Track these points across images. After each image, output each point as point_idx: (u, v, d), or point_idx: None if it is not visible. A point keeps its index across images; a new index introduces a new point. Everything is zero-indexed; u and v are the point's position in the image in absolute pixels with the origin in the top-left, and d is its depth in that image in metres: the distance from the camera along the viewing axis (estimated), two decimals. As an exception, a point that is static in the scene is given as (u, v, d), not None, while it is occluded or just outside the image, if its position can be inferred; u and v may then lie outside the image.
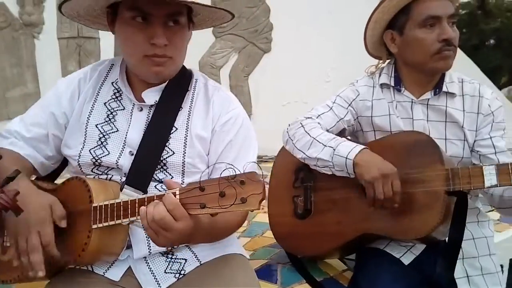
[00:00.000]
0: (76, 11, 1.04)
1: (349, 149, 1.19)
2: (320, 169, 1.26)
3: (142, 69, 1.00)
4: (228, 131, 1.05)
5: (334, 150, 1.20)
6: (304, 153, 1.27)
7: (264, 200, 0.76)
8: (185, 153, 1.02)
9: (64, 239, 0.92)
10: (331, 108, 1.36)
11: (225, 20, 1.17)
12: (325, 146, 1.23)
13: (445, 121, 1.25)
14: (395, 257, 1.24)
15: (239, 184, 0.72)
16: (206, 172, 1.04)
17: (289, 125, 1.36)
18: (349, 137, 1.38)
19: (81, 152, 1.03)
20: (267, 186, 1.00)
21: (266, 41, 3.92)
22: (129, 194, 0.92)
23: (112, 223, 0.86)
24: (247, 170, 0.91)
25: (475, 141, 1.24)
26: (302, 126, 1.31)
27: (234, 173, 0.73)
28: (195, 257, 1.04)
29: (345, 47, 3.75)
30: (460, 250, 1.20)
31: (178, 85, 1.08)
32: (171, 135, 1.02)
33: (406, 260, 1.23)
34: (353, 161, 1.17)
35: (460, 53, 3.85)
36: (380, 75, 1.34)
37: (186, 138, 1.03)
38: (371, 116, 1.32)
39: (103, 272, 0.99)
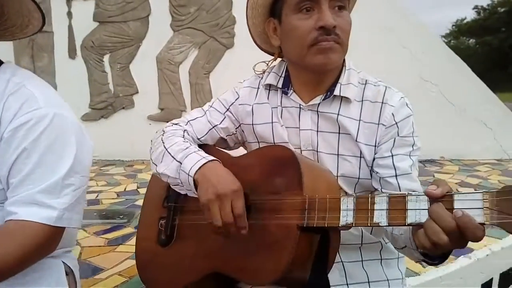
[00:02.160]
0: None
1: (193, 162, 0.99)
2: (174, 187, 1.06)
3: None
4: (23, 137, 0.90)
5: (181, 164, 1.00)
6: (156, 167, 1.08)
7: None
8: None
9: None
10: (205, 113, 1.16)
11: (34, 23, 1.04)
12: (174, 159, 1.03)
13: (338, 133, 1.03)
14: None
15: None
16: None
17: (156, 132, 1.17)
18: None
19: None
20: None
21: (228, 36, 3.70)
22: None
23: None
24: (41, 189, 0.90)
25: (374, 159, 1.01)
26: (163, 133, 1.12)
27: None
28: None
29: None
30: None
31: None
32: None
33: None
34: (193, 178, 0.96)
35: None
36: (268, 75, 1.11)
37: None
38: (252, 124, 1.12)
39: None
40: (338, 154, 1.04)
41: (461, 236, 0.69)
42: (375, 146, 1.02)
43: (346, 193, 1.05)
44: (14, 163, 0.91)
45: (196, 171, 0.97)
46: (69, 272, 1.10)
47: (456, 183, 3.05)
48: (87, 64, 3.93)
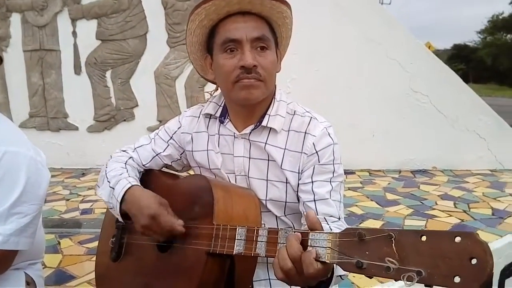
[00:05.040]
0: None
1: (121, 187, 1.05)
2: (111, 211, 1.13)
3: None
4: None
5: (113, 189, 1.07)
6: (98, 190, 1.15)
7: None
8: None
9: None
10: (151, 141, 1.23)
11: None
12: (109, 183, 1.10)
13: (268, 160, 1.09)
14: None
15: None
16: None
17: (111, 156, 1.25)
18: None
19: None
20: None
21: (221, 51, 3.79)
22: None
23: None
24: None
25: (298, 184, 1.07)
26: (110, 158, 1.20)
27: None
28: None
29: (307, 58, 3.60)
30: None
31: None
32: None
33: None
34: (120, 204, 1.04)
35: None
36: (209, 104, 1.18)
37: None
38: (192, 151, 1.18)
39: None
40: (267, 180, 1.09)
41: (301, 269, 0.73)
42: (299, 172, 1.06)
43: (276, 216, 1.09)
44: None
45: (122, 197, 1.03)
46: (30, 282, 1.20)
47: (438, 195, 3.04)
48: (91, 79, 4.08)
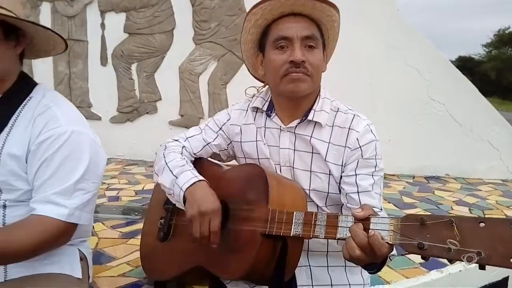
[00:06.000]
0: None
1: (186, 179, 1.14)
2: (168, 196, 1.22)
3: None
4: (46, 150, 1.05)
5: (176, 178, 1.15)
6: (157, 177, 1.23)
7: None
8: None
9: None
10: (201, 131, 1.31)
11: (59, 47, 1.17)
12: (171, 173, 1.18)
13: (312, 152, 1.17)
14: None
15: None
16: (26, 190, 1.07)
17: (160, 145, 1.33)
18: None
19: None
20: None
21: (245, 50, 3.87)
22: None
23: None
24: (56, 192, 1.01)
25: (341, 177, 1.14)
26: (165, 148, 1.28)
27: None
28: (4, 272, 1.07)
29: (328, 63, 3.61)
30: None
31: (10, 102, 1.09)
32: None
33: None
34: (184, 192, 1.12)
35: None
36: (256, 99, 1.26)
37: (0, 157, 1.05)
38: (240, 142, 1.26)
39: None
40: (311, 171, 1.17)
41: (372, 251, 0.83)
42: (342, 165, 1.13)
43: (317, 206, 1.18)
44: (37, 170, 1.06)
45: (187, 188, 1.12)
46: (83, 258, 1.27)
47: (453, 201, 3.12)
48: (116, 71, 4.15)
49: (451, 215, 0.80)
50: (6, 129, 1.07)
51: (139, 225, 2.36)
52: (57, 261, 1.14)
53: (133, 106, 4.19)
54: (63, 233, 1.07)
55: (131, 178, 3.55)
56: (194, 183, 1.12)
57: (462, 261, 0.74)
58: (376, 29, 3.68)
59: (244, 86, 4.61)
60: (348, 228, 0.89)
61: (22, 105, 1.10)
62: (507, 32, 33.05)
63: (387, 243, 0.83)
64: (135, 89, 4.16)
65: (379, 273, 1.82)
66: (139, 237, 2.18)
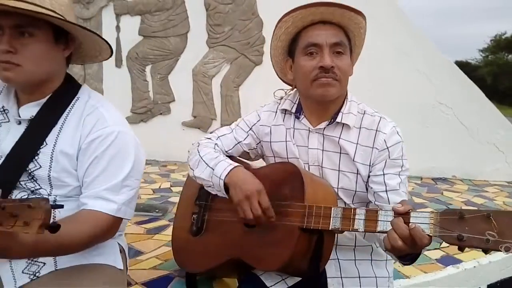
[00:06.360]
0: None
1: (222, 169, 1.18)
2: (207, 188, 1.27)
3: None
4: (95, 148, 1.09)
5: (213, 170, 1.20)
6: (193, 171, 1.28)
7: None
8: (50, 167, 1.09)
9: None
10: (232, 131, 1.36)
11: (105, 54, 1.22)
12: (207, 166, 1.23)
13: (340, 152, 1.22)
14: (267, 286, 1.22)
15: (26, 208, 0.75)
16: (75, 186, 1.12)
17: (192, 144, 1.38)
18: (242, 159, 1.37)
19: None
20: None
21: (258, 54, 3.97)
22: None
23: None
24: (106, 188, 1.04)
25: (369, 176, 1.19)
26: (198, 144, 1.33)
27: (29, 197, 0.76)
28: (54, 262, 1.11)
29: None
30: (341, 286, 1.20)
31: (59, 102, 1.13)
32: (40, 150, 1.09)
33: None
34: (224, 181, 1.16)
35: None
36: (285, 101, 1.32)
37: (53, 154, 1.09)
38: (270, 142, 1.32)
39: None
40: (339, 170, 1.22)
41: (412, 242, 0.91)
42: (370, 165, 1.19)
43: (345, 203, 1.24)
44: (88, 167, 1.10)
45: (226, 176, 1.16)
46: (122, 251, 1.32)
47: (462, 201, 3.20)
48: (131, 73, 4.20)
49: (487, 209, 0.89)
50: (57, 127, 1.12)
51: (161, 222, 2.46)
52: (102, 252, 1.19)
53: (147, 107, 4.24)
54: (111, 227, 1.12)
55: (146, 177, 3.60)
56: (231, 170, 1.16)
57: (500, 250, 0.82)
58: (386, 34, 3.76)
59: (256, 89, 4.69)
60: (388, 222, 0.96)
61: (71, 105, 1.15)
62: (503, 37, 33.32)
63: (428, 235, 0.90)
64: (149, 91, 4.23)
65: (399, 268, 1.92)
66: (164, 232, 2.29)
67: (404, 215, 0.93)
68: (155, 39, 4.13)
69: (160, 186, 3.35)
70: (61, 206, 0.85)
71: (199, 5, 4.02)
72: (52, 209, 0.77)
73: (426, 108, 3.88)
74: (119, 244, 1.32)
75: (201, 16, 4.04)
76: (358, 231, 1.03)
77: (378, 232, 0.98)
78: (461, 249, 0.88)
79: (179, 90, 4.19)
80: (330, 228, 1.04)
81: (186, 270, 1.45)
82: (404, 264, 1.10)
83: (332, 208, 1.05)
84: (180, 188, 3.20)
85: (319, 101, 1.20)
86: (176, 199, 2.90)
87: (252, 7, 3.91)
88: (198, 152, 1.30)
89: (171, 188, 3.31)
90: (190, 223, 1.38)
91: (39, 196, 1.10)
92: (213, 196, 1.32)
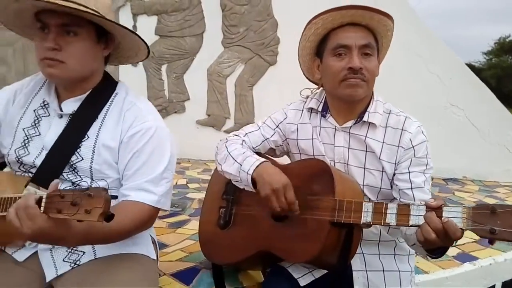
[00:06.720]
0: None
1: (250, 164, 1.21)
2: (235, 183, 1.30)
3: (41, 70, 1.12)
4: (136, 142, 1.14)
5: (241, 165, 1.22)
6: (221, 166, 1.32)
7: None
8: (92, 160, 1.13)
9: None
10: (259, 128, 1.40)
11: (141, 55, 1.25)
12: (235, 161, 1.26)
13: (365, 151, 1.24)
14: (294, 277, 1.24)
15: (87, 197, 0.78)
16: (115, 178, 1.16)
17: (220, 140, 1.43)
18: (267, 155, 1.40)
19: (9, 151, 1.16)
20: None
21: (272, 54, 4.01)
22: (32, 190, 0.97)
23: (0, 214, 0.98)
24: (147, 180, 1.06)
25: (394, 174, 1.22)
26: (226, 141, 1.37)
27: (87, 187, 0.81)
28: (93, 251, 1.15)
29: None
30: (366, 280, 1.22)
31: (98, 97, 1.17)
32: (82, 143, 1.13)
33: (304, 281, 1.23)
34: (252, 176, 1.19)
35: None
36: (311, 100, 1.35)
37: (95, 147, 1.13)
38: (297, 139, 1.34)
39: (12, 253, 1.14)
40: (364, 168, 1.25)
41: (445, 235, 0.92)
42: (395, 163, 1.20)
43: (369, 199, 1.26)
44: (129, 161, 1.14)
45: (254, 171, 1.19)
46: (153, 242, 1.35)
47: (474, 202, 3.21)
48: (147, 72, 4.27)
49: (516, 205, 0.93)
50: (99, 121, 1.16)
51: (182, 217, 2.51)
52: (137, 243, 1.23)
53: (162, 105, 4.30)
54: (151, 217, 1.16)
55: (163, 174, 3.65)
56: (258, 165, 1.19)
57: None
58: (398, 35, 3.79)
59: (270, 88, 4.70)
60: (420, 216, 0.99)
61: (110, 100, 1.19)
62: (507, 40, 33.12)
63: (460, 228, 0.93)
64: (165, 89, 4.29)
65: (418, 264, 1.96)
66: (186, 226, 2.34)
67: (436, 210, 0.96)
68: (171, 39, 4.19)
69: (176, 183, 3.40)
70: (115, 197, 0.89)
71: (215, 6, 4.08)
72: None
73: (438, 109, 3.92)
74: (150, 235, 1.36)
75: (217, 16, 4.09)
76: (390, 225, 1.07)
77: (411, 226, 1.01)
78: (491, 242, 0.91)
79: (194, 89, 4.25)
80: (361, 222, 1.06)
81: (212, 262, 1.49)
82: (433, 257, 1.13)
83: (363, 203, 1.07)
84: (196, 185, 3.34)
85: (346, 101, 1.23)
86: (193, 195, 2.98)
87: (268, 8, 3.96)
88: (226, 148, 1.33)
89: (188, 184, 3.37)
90: (217, 216, 1.41)
91: (84, 187, 1.13)
92: (240, 191, 1.36)
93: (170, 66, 4.25)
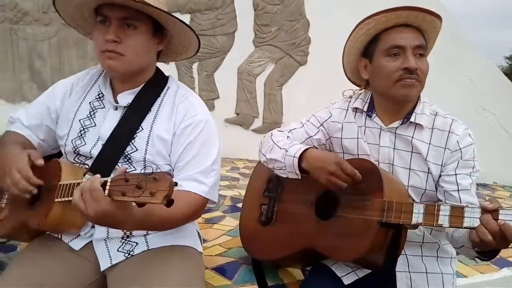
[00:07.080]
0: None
1: (296, 149, 1.24)
2: (277, 171, 1.32)
3: (101, 62, 1.15)
4: (188, 135, 1.17)
5: (286, 151, 1.25)
6: (265, 156, 1.34)
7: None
8: (146, 150, 1.16)
9: (36, 206, 1.11)
10: (303, 125, 1.42)
11: (191, 51, 1.29)
12: (281, 148, 1.29)
13: (411, 152, 1.24)
14: (337, 276, 1.25)
15: (152, 180, 0.78)
16: (165, 170, 1.18)
17: (264, 136, 1.45)
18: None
19: (66, 142, 1.20)
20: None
21: (303, 54, 4.03)
22: None
23: (64, 199, 1.02)
24: (198, 171, 1.12)
25: (440, 175, 1.22)
26: (271, 135, 1.40)
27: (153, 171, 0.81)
28: (145, 242, 1.19)
29: None
30: (409, 281, 1.22)
31: (151, 90, 1.21)
32: (136, 134, 1.17)
33: (347, 280, 1.23)
34: (298, 158, 1.21)
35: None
36: (356, 100, 1.36)
37: (149, 138, 1.16)
38: (341, 138, 1.34)
39: (68, 241, 1.19)
40: (410, 169, 1.23)
41: (502, 238, 0.93)
42: (442, 165, 1.20)
43: (413, 200, 1.26)
44: (181, 152, 1.16)
45: (300, 155, 1.21)
46: (198, 235, 1.38)
47: (506, 208, 3.20)
48: (178, 69, 4.31)
49: None
50: (152, 113, 1.19)
51: (216, 213, 2.54)
52: (184, 235, 1.26)
53: (192, 103, 4.37)
54: (201, 207, 1.18)
55: (192, 171, 3.71)
56: (305, 150, 1.21)
57: None
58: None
59: (299, 88, 4.71)
60: (475, 218, 0.99)
61: (163, 93, 1.22)
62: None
63: None
64: (195, 87, 4.34)
65: (457, 268, 1.97)
66: (222, 222, 2.37)
67: (492, 212, 0.96)
68: (203, 37, 4.23)
69: (207, 180, 3.45)
70: (176, 184, 0.92)
71: (247, 5, 4.12)
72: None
73: (469, 114, 3.86)
74: (195, 229, 1.40)
75: (249, 15, 4.12)
76: (442, 226, 1.06)
77: (465, 228, 1.02)
78: None
79: (224, 87, 4.29)
80: (412, 223, 1.05)
81: (252, 257, 1.50)
82: (482, 260, 1.13)
83: (414, 204, 1.07)
84: (226, 182, 3.38)
85: (398, 101, 1.23)
86: (224, 192, 3.02)
87: (300, 8, 3.98)
88: (272, 139, 1.35)
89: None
90: (259, 213, 1.43)
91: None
92: (282, 189, 1.38)
93: (201, 65, 4.29)
